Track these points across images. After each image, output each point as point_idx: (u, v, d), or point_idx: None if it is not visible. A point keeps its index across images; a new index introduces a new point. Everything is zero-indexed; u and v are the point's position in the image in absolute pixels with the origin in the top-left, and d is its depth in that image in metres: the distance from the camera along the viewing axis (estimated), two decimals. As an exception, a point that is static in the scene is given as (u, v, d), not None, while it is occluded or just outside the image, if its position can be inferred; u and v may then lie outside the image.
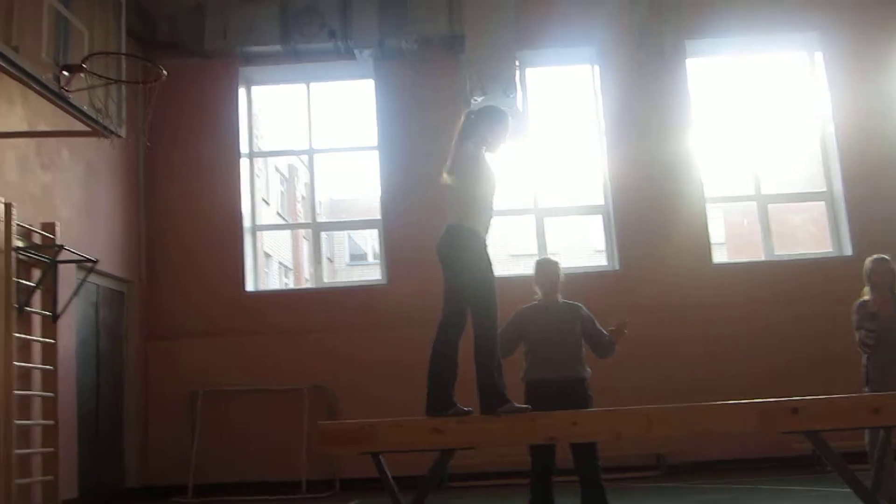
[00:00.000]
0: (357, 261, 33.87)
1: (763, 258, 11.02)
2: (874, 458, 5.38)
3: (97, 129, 7.51)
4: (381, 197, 11.13)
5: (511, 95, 10.43)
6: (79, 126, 7.53)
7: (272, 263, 25.04)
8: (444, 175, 4.88)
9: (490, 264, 4.69)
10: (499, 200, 4.97)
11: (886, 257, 6.29)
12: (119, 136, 7.99)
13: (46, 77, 6.49)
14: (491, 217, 4.78)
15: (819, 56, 11.14)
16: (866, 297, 6.24)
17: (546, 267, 5.83)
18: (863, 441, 6.03)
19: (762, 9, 10.93)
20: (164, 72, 7.65)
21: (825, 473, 8.34)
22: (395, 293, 10.60)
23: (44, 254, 8.21)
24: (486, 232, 4.76)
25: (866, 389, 6.09)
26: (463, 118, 4.97)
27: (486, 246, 4.71)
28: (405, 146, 11.05)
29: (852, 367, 6.30)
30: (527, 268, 6.09)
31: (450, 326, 4.72)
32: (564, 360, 5.53)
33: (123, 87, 7.97)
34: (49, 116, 8.18)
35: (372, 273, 17.83)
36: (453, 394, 4.62)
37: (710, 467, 9.67)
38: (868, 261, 6.34)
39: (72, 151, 9.24)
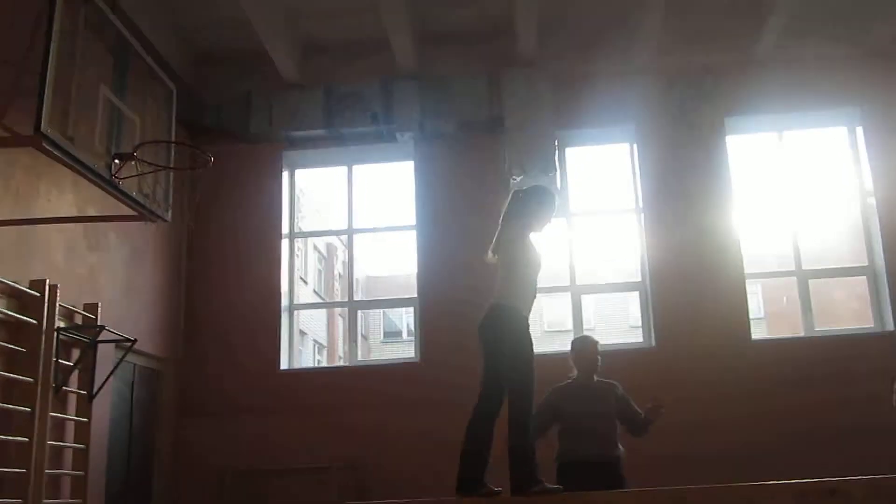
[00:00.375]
0: (391, 338, 33.89)
1: (803, 334, 10.88)
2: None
3: (144, 213, 7.72)
4: (418, 275, 11.21)
5: (550, 174, 10.54)
6: (126, 210, 7.75)
7: (307, 341, 25.13)
8: (489, 254, 4.94)
9: (531, 344, 4.71)
10: (541, 280, 5.01)
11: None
12: (165, 220, 8.21)
13: (99, 166, 6.69)
14: (534, 297, 4.82)
15: (860, 130, 11.14)
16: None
17: (583, 345, 5.85)
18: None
19: (802, 85, 10.98)
20: (211, 158, 7.87)
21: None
22: (428, 371, 10.60)
23: (85, 334, 8.37)
24: (529, 312, 4.79)
25: (910, 470, 5.95)
26: (510, 197, 5.03)
27: (528, 325, 4.74)
28: (443, 225, 11.17)
29: (893, 447, 6.17)
30: (562, 345, 6.10)
31: (486, 407, 4.70)
32: (599, 440, 5.51)
33: (171, 172, 8.21)
34: (98, 201, 8.41)
35: (406, 350, 17.83)
36: (485, 474, 4.59)
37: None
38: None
39: (118, 234, 9.47)
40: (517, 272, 4.78)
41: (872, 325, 10.78)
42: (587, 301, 11.25)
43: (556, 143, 10.74)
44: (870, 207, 10.98)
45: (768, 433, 9.62)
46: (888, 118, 10.96)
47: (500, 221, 5.01)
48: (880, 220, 10.77)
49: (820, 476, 4.64)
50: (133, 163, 7.24)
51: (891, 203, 10.77)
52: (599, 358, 5.81)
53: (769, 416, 9.74)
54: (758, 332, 12.08)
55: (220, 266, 11.22)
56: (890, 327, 10.31)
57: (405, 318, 31.31)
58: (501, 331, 4.68)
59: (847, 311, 18.69)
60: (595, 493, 4.62)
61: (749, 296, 10.86)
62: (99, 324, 8.44)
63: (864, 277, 11.10)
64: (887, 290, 10.55)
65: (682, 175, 10.96)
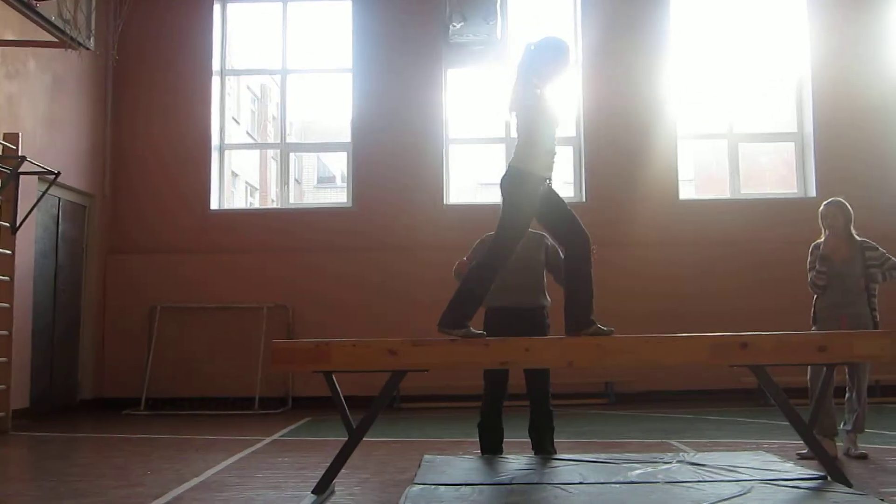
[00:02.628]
0: (325, 183, 33.68)
1: (729, 196, 11.13)
2: (814, 394, 5.56)
3: (65, 40, 7.35)
4: (352, 120, 11.05)
5: (490, 22, 10.31)
6: (46, 36, 7.36)
7: (239, 183, 24.83)
8: (507, 112, 4.82)
9: (529, 212, 4.66)
10: (559, 134, 4.87)
11: (841, 200, 6.39)
12: (87, 49, 7.83)
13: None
14: (553, 156, 4.71)
15: (803, -1, 11.10)
16: (821, 240, 6.37)
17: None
18: (805, 377, 6.21)
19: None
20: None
21: (768, 407, 8.59)
22: (361, 216, 10.66)
23: (5, 164, 8.10)
24: (549, 171, 4.70)
25: (814, 328, 6.25)
26: (523, 51, 4.84)
27: (540, 189, 4.65)
28: (379, 70, 10.97)
29: (806, 307, 6.45)
30: (495, 196, 6.11)
31: (497, 254, 4.67)
32: (526, 288, 5.59)
33: (94, -5, 7.78)
34: (16, 25, 8.00)
35: (340, 196, 17.74)
36: (468, 318, 4.62)
37: (658, 397, 9.94)
38: (823, 204, 6.45)
39: (38, 62, 9.07)
40: (532, 133, 4.67)
41: (796, 191, 11.06)
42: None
43: (500, -9, 10.45)
44: (805, 76, 11.06)
45: (689, 290, 10.02)
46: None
47: (515, 77, 4.84)
48: (813, 88, 10.89)
49: (735, 330, 4.82)
50: (51, -16, 6.84)
51: (825, 73, 10.87)
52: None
53: (691, 273, 10.13)
54: (687, 193, 12.33)
55: (148, 101, 10.89)
56: (812, 193, 10.60)
57: (339, 165, 31.04)
58: (509, 192, 4.65)
59: (774, 177, 19.14)
60: (516, 339, 4.74)
61: (680, 157, 11.01)
62: (20, 154, 8.16)
63: (792, 144, 11.30)
64: (813, 158, 10.80)
65: (623, 32, 10.84)
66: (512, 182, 4.63)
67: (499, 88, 11.31)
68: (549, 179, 4.71)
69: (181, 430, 8.33)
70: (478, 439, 5.68)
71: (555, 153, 4.71)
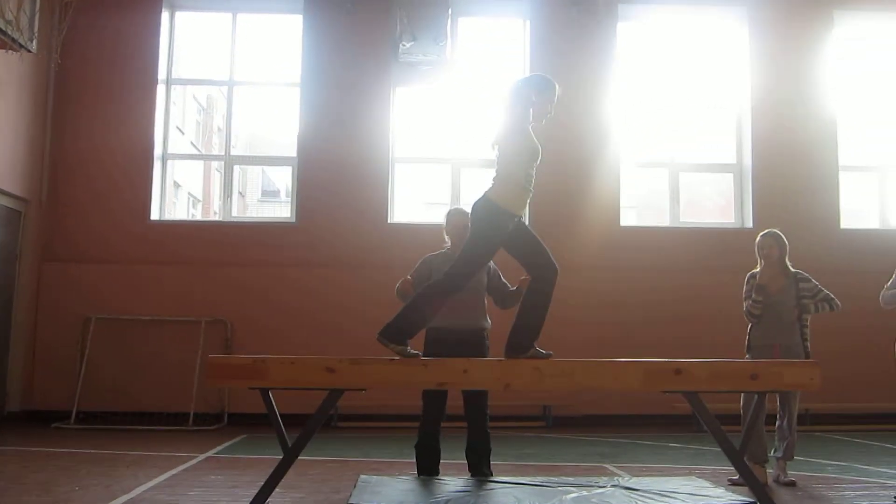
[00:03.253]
0: (269, 197, 33.41)
1: (669, 224, 11.31)
2: (746, 420, 5.66)
3: (6, 41, 7.20)
4: (299, 134, 10.99)
5: (440, 43, 10.39)
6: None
7: (181, 193, 24.51)
8: (491, 145, 4.82)
9: (493, 246, 4.69)
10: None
11: (777, 232, 6.55)
12: (29, 51, 7.67)
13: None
14: (529, 193, 4.73)
15: (745, 31, 11.37)
16: (757, 270, 6.51)
17: (457, 217, 5.87)
18: (738, 404, 6.33)
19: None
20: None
21: (701, 433, 8.71)
22: (304, 232, 10.59)
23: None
24: (521, 208, 4.73)
25: (748, 356, 6.38)
26: (510, 85, 4.85)
27: (511, 224, 4.66)
28: (328, 85, 10.94)
29: (741, 335, 6.57)
30: (440, 216, 6.13)
31: (454, 279, 4.67)
32: (467, 310, 5.60)
33: (38, -1, 7.64)
34: (-47, 23, 7.80)
35: (283, 211, 17.64)
36: (410, 335, 4.61)
37: (594, 421, 10.02)
38: (760, 235, 6.60)
39: (-24, 62, 8.87)
40: (513, 170, 4.68)
41: (734, 221, 11.30)
42: (467, 175, 11.29)
43: (450, 12, 10.53)
44: (745, 109, 11.33)
45: (628, 315, 10.14)
46: (773, 23, 11.24)
47: (502, 110, 4.85)
48: (753, 121, 11.16)
49: (670, 357, 4.89)
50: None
51: (764, 106, 11.15)
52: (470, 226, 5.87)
53: (631, 299, 10.24)
54: (628, 220, 12.50)
55: (91, 106, 10.68)
56: (750, 224, 10.82)
57: (284, 179, 30.84)
58: (479, 223, 4.66)
59: (713, 207, 19.49)
60: (454, 360, 4.74)
61: (623, 184, 11.17)
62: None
63: (732, 175, 11.53)
64: (751, 190, 11.04)
65: (571, 57, 10.97)
66: (484, 214, 4.65)
67: (447, 109, 11.35)
68: (520, 217, 4.74)
69: (112, 444, 8.15)
70: (415, 460, 5.66)
71: (531, 191, 4.74)
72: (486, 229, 4.64)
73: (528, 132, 4.75)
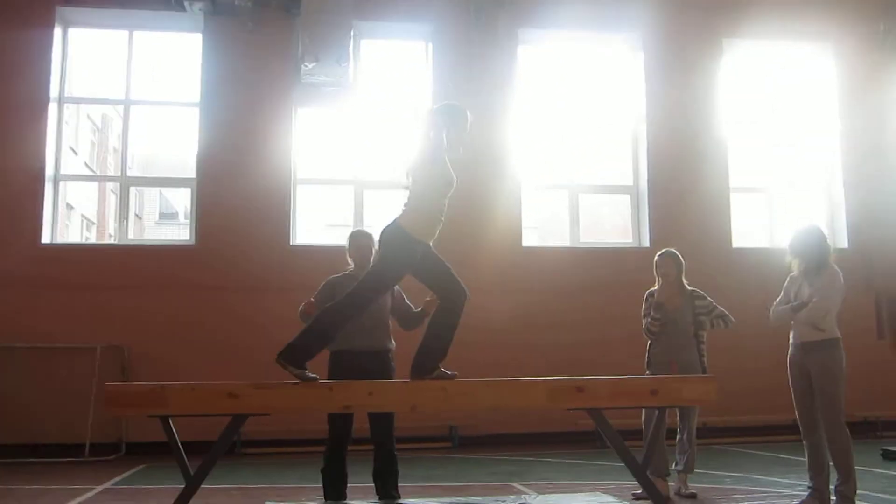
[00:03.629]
0: (167, 219, 32.67)
1: (569, 244, 11.52)
2: (648, 435, 5.79)
3: None
4: (198, 155, 10.79)
5: (343, 65, 10.37)
6: None
7: (74, 216, 23.75)
8: (405, 173, 4.77)
9: (398, 277, 4.65)
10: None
11: (674, 251, 6.74)
12: None
13: None
14: (440, 223, 4.70)
15: (640, 57, 11.72)
16: (655, 288, 6.68)
17: (361, 239, 5.85)
18: (640, 419, 6.47)
19: (593, 5, 11.38)
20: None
21: (605, 448, 8.86)
22: (204, 255, 10.37)
23: None
24: (430, 237, 4.68)
25: (647, 372, 6.53)
26: (424, 115, 4.81)
27: (419, 251, 4.61)
28: (228, 105, 10.78)
29: (640, 352, 6.72)
30: (343, 238, 6.09)
31: (356, 301, 4.60)
32: (371, 332, 5.58)
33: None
34: None
35: (182, 233, 17.26)
36: (309, 357, 4.52)
37: (500, 440, 10.08)
38: (658, 255, 6.78)
39: None
40: (426, 199, 4.64)
41: (631, 241, 11.59)
42: (369, 197, 11.28)
43: (353, 34, 10.53)
44: (640, 131, 11.68)
45: (531, 334, 10.25)
46: (666, 49, 11.64)
47: (416, 139, 4.82)
48: (648, 143, 11.50)
49: (573, 374, 4.96)
50: None
51: (658, 129, 11.52)
52: (375, 248, 5.86)
53: (534, 318, 10.36)
54: (529, 240, 12.67)
55: (-24, 125, 10.26)
56: (646, 244, 11.11)
57: (183, 201, 30.19)
58: (387, 248, 4.60)
59: (611, 227, 19.96)
60: (359, 382, 4.70)
61: (524, 205, 11.32)
62: None
63: (628, 196, 11.84)
64: (647, 210, 11.36)
65: (472, 80, 11.10)
66: (394, 240, 4.62)
67: (350, 130, 11.32)
68: (429, 244, 4.74)
69: (2, 479, 7.77)
70: (321, 485, 5.58)
71: (442, 221, 4.74)
72: (394, 256, 4.62)
73: (443, 161, 4.75)
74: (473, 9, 11.13)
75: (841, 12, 11.94)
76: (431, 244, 4.75)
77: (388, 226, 4.68)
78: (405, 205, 4.71)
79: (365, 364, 5.44)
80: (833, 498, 5.57)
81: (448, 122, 4.78)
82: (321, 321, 4.61)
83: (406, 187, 4.80)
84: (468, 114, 4.88)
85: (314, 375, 4.52)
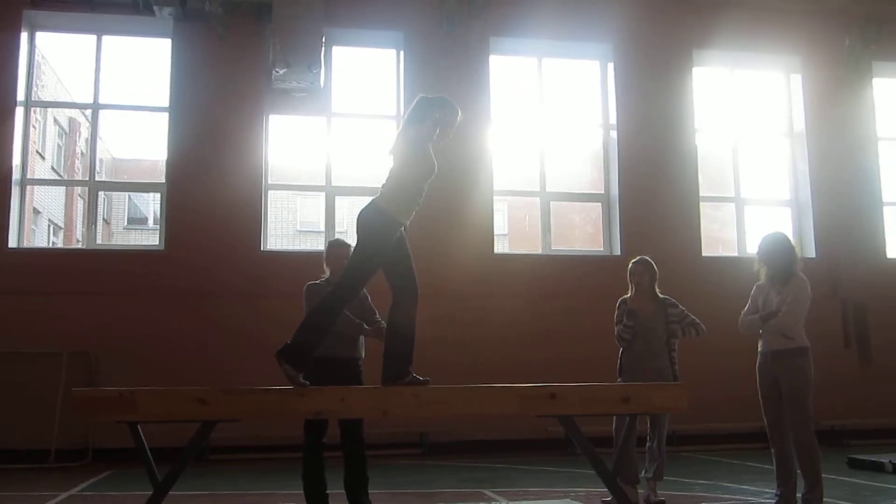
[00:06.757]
0: (136, 224, 32.32)
1: (541, 252, 11.56)
2: (618, 442, 5.81)
3: None
4: (168, 160, 10.70)
5: (315, 71, 10.34)
6: None
7: (41, 220, 23.46)
8: (388, 154, 4.76)
9: (380, 256, 4.61)
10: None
11: (647, 259, 6.78)
12: None
13: None
14: (418, 205, 4.69)
15: (610, 66, 11.80)
16: (628, 296, 6.71)
17: (338, 248, 5.86)
18: (611, 427, 6.49)
19: (564, 15, 11.46)
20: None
21: (575, 455, 8.88)
22: (173, 260, 10.28)
23: None
24: (408, 218, 4.68)
25: (619, 380, 6.55)
26: (414, 102, 4.82)
27: (394, 233, 4.59)
28: (199, 110, 10.71)
29: (613, 359, 6.74)
30: (314, 244, 6.07)
31: (346, 289, 4.57)
32: (343, 340, 5.58)
33: None
34: None
35: (151, 238, 17.12)
36: (310, 355, 4.48)
37: (471, 447, 10.06)
38: (632, 262, 6.81)
39: None
40: (405, 177, 4.64)
41: (602, 249, 11.64)
42: (341, 203, 11.25)
43: (324, 40, 10.51)
44: (611, 140, 11.75)
45: (503, 341, 10.24)
46: (636, 58, 11.74)
47: (402, 124, 4.83)
48: (619, 152, 11.57)
49: (544, 381, 4.96)
50: None
51: (629, 138, 11.60)
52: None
53: (505, 326, 10.36)
54: (501, 248, 12.72)
55: (-58, 129, 10.11)
56: (618, 252, 11.18)
57: (152, 205, 29.91)
58: (367, 230, 4.58)
59: (583, 235, 20.10)
60: (331, 388, 4.68)
61: (496, 213, 11.36)
62: None
63: (600, 204, 11.91)
64: (618, 218, 11.42)
65: (443, 88, 10.88)
66: (373, 220, 4.61)
67: (321, 137, 11.29)
68: (405, 227, 4.73)
69: (-37, 486, 7.65)
70: (296, 491, 5.53)
71: (419, 205, 4.74)
72: (375, 236, 4.61)
73: (427, 148, 4.79)
74: (445, 17, 11.16)
75: (808, 27, 12.13)
76: (405, 231, 4.74)
77: (366, 208, 4.69)
78: (383, 185, 4.72)
79: (335, 371, 5.43)
80: (800, 505, 5.62)
81: (439, 113, 4.83)
82: (316, 314, 4.59)
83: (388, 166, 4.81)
84: (459, 111, 4.96)
85: (306, 382, 4.48)
